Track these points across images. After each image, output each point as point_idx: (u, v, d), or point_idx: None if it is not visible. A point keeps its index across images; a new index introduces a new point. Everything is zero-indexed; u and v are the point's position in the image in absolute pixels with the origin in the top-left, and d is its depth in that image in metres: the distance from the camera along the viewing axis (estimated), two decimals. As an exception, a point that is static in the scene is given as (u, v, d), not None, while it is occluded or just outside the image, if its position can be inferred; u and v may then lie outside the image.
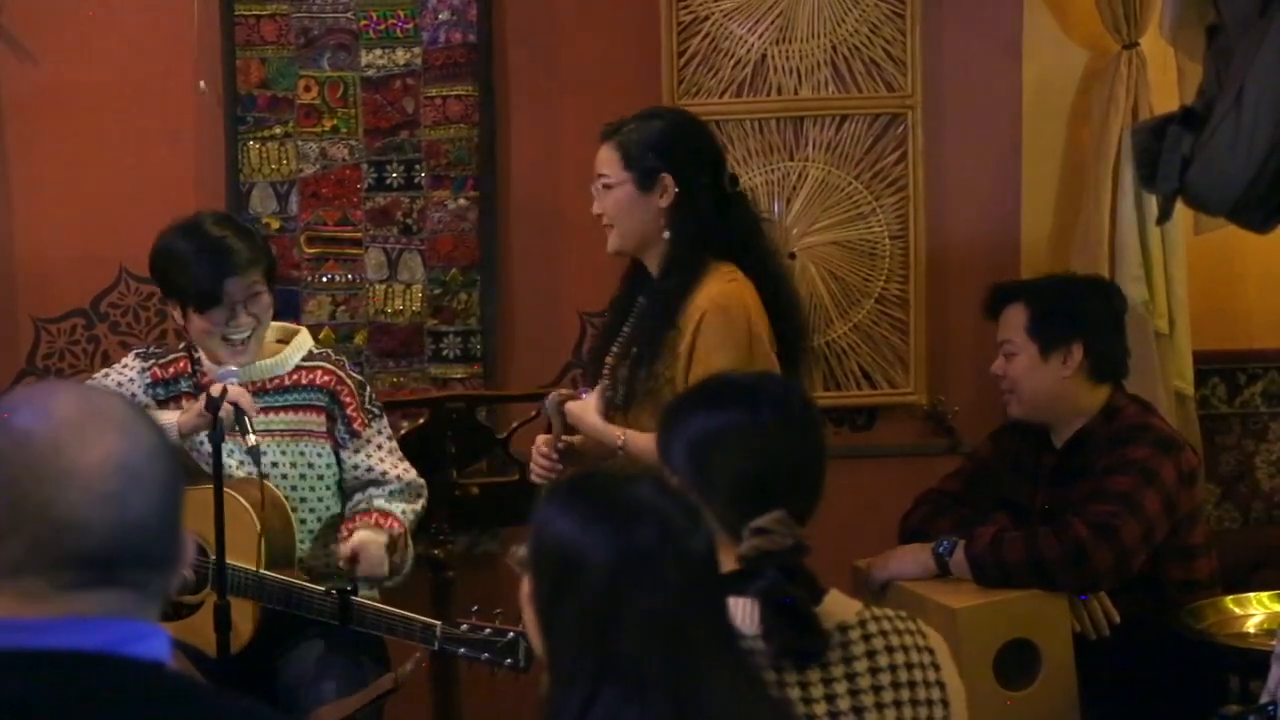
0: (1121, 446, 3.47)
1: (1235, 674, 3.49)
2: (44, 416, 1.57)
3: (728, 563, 2.10)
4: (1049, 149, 4.40)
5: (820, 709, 2.21)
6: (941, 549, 3.39)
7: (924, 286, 4.34)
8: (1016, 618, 3.28)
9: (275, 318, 3.68)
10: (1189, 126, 3.43)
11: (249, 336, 3.50)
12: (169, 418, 3.37)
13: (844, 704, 2.22)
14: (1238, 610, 3.56)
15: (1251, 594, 3.63)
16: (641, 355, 3.40)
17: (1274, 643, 2.78)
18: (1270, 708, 2.61)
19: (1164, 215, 3.68)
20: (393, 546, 3.44)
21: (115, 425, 1.58)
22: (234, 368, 3.41)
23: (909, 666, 2.29)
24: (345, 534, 3.49)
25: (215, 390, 3.29)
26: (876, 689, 2.24)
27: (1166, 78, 4.13)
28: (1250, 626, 3.53)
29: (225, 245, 3.48)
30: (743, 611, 2.17)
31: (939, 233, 4.38)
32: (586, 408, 3.43)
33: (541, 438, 3.55)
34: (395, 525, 3.52)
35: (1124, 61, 4.24)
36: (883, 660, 2.26)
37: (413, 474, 3.63)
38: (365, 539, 3.42)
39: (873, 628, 2.29)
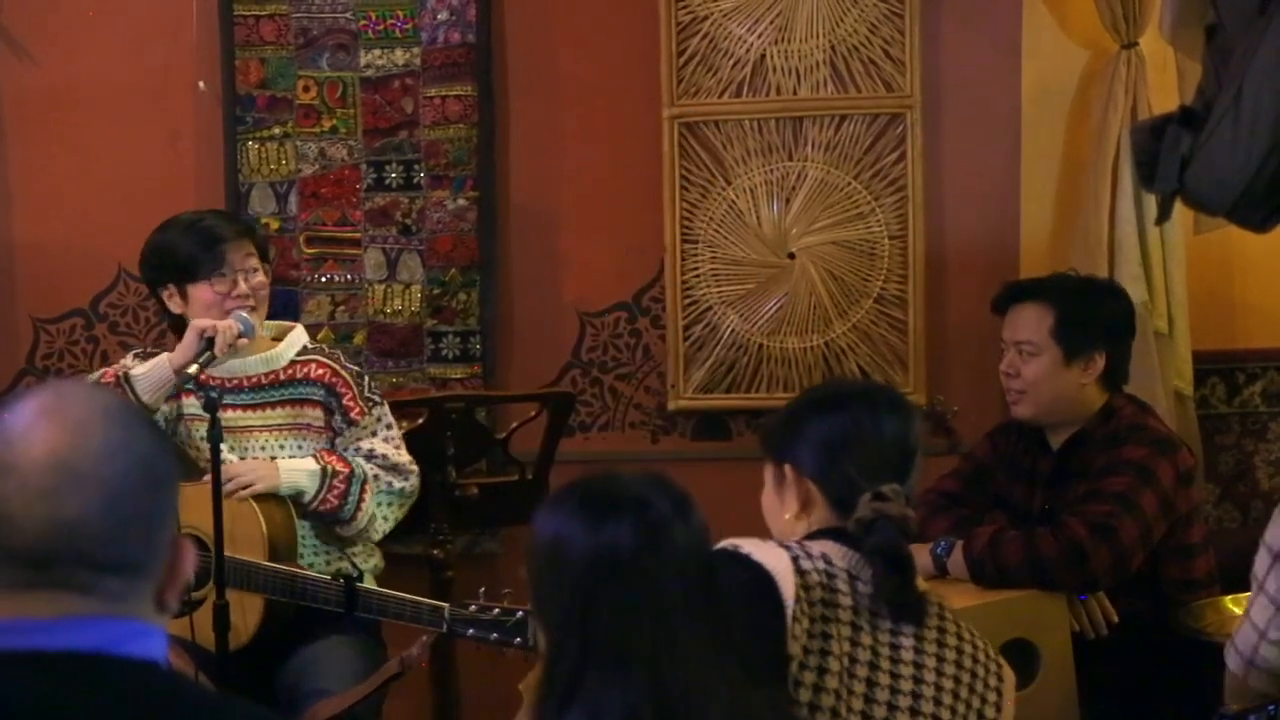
0: (1118, 447, 3.47)
1: (1235, 673, 3.48)
2: (9, 412, 1.57)
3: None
4: (1048, 149, 4.40)
5: (907, 669, 2.34)
6: (939, 549, 3.38)
7: (923, 286, 4.34)
8: (1015, 618, 3.27)
9: (273, 317, 3.70)
10: (1188, 126, 3.42)
11: (252, 306, 3.54)
12: (160, 358, 3.46)
13: (929, 676, 2.35)
14: (1237, 610, 3.54)
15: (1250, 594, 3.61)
16: None
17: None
18: (1271, 708, 2.61)
19: (1163, 215, 3.66)
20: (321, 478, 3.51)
21: (71, 422, 1.57)
22: (245, 314, 3.48)
23: (974, 656, 2.42)
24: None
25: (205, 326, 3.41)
26: (959, 665, 2.38)
27: (1166, 77, 4.13)
28: (1250, 627, 3.52)
29: (210, 219, 3.60)
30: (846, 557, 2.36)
31: (938, 232, 4.38)
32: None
33: None
34: (334, 461, 3.53)
35: (1123, 61, 4.24)
36: (950, 641, 2.39)
37: (405, 456, 3.63)
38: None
39: (947, 613, 2.43)
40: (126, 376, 3.44)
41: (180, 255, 3.54)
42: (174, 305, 3.57)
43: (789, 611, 2.24)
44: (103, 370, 3.57)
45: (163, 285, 3.58)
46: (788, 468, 2.45)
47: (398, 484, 3.59)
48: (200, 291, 3.53)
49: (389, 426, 3.64)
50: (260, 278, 3.57)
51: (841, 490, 2.39)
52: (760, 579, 2.27)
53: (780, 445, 2.49)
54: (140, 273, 3.66)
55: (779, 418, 2.55)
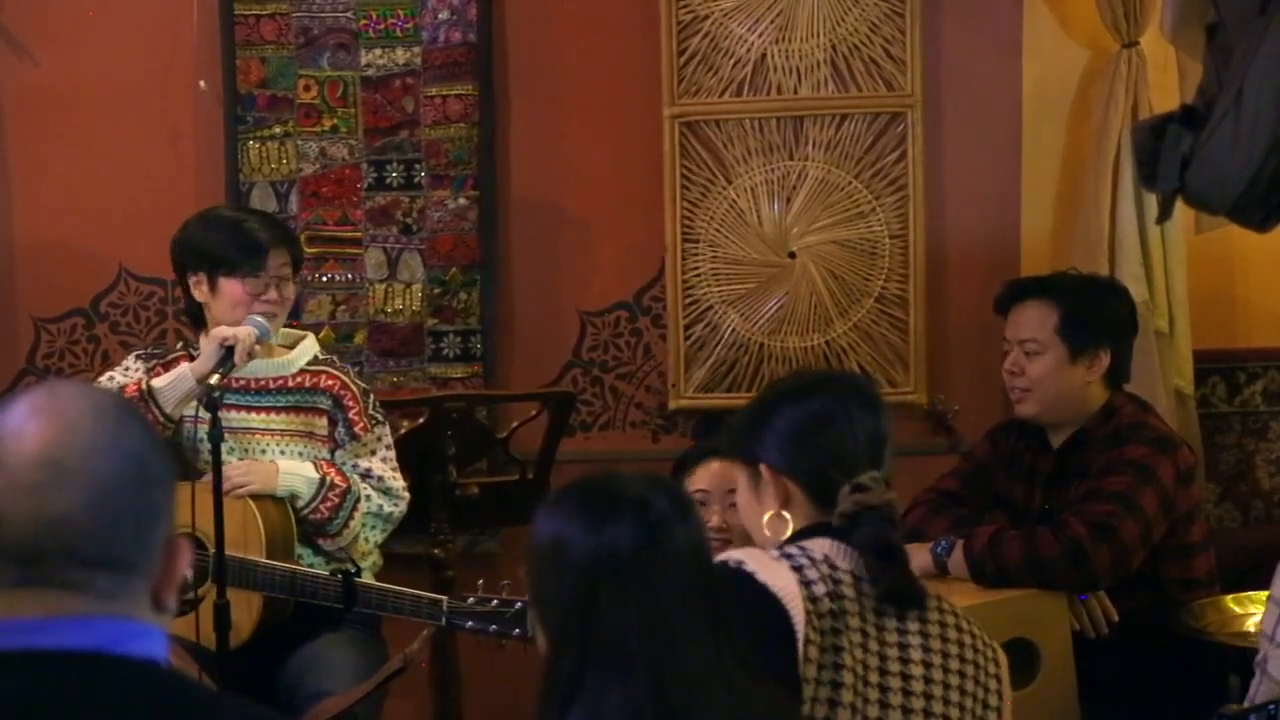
0: (1119, 446, 3.46)
1: (1235, 673, 3.48)
2: (3, 410, 1.57)
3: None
4: (1049, 148, 4.40)
5: (918, 669, 2.31)
6: (939, 549, 3.38)
7: (924, 285, 4.34)
8: (1015, 617, 3.26)
9: None
10: (1189, 125, 3.42)
11: (274, 314, 3.55)
12: (181, 369, 3.46)
13: (937, 674, 2.33)
14: (1237, 609, 3.55)
15: (1251, 593, 3.61)
16: None
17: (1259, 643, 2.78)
18: (1271, 708, 2.60)
19: (1164, 214, 3.67)
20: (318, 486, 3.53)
21: (62, 419, 1.56)
22: (260, 318, 3.48)
23: (974, 646, 2.40)
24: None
25: (228, 334, 3.40)
26: (962, 659, 2.36)
27: (1166, 76, 4.13)
28: (1250, 625, 3.51)
29: (255, 221, 3.63)
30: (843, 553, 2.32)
31: (939, 232, 4.38)
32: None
33: None
34: (333, 473, 3.55)
35: (1124, 60, 4.23)
36: (951, 635, 2.37)
37: (399, 482, 3.64)
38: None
39: (945, 604, 2.41)
40: (150, 390, 3.44)
41: (221, 250, 3.56)
42: (199, 294, 3.59)
43: (800, 638, 2.21)
44: (122, 383, 3.54)
45: (193, 272, 3.60)
46: (763, 466, 2.41)
47: (387, 508, 3.61)
48: (231, 286, 3.55)
49: (388, 448, 3.66)
50: (290, 287, 3.60)
51: (819, 482, 2.35)
52: (769, 607, 2.22)
53: (750, 444, 2.44)
54: (171, 255, 3.65)
55: (743, 416, 2.50)
